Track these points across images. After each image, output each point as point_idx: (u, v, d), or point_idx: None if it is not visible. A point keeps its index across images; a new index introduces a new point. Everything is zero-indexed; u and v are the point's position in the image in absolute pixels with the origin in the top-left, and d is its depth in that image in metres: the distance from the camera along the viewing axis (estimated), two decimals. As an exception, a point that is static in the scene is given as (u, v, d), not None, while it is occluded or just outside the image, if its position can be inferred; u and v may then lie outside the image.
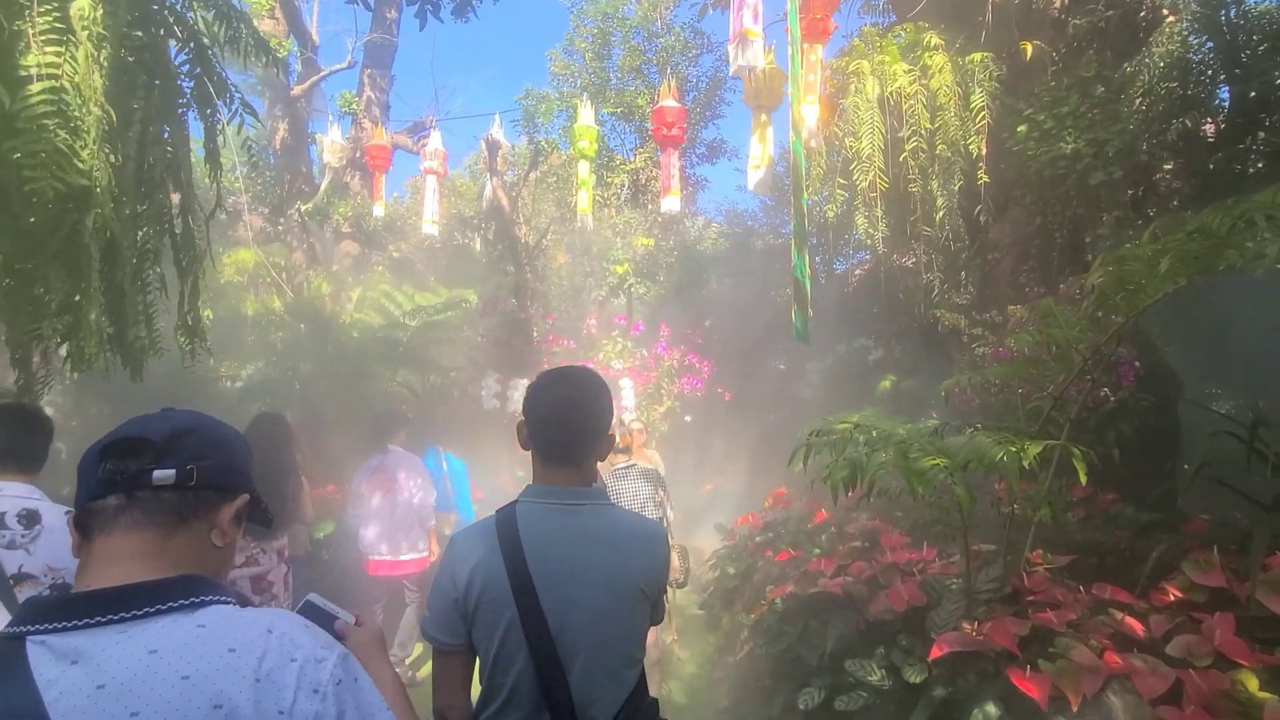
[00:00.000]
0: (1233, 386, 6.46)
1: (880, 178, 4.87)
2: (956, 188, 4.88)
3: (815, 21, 4.46)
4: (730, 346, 8.63)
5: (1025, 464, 1.87)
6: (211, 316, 8.74)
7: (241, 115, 2.76)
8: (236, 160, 9.50)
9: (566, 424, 1.31)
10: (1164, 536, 3.47)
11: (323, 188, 8.92)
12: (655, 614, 1.35)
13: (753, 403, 8.42)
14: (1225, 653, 2.16)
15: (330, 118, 9.14)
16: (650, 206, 8.07)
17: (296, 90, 8.99)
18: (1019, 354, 3.44)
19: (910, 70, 4.93)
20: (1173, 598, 2.63)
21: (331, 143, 8.68)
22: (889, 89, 4.93)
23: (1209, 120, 6.24)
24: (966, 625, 2.49)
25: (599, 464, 1.46)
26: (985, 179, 4.91)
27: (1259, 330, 6.15)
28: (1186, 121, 6.12)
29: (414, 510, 4.31)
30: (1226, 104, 6.04)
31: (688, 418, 7.44)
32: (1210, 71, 6.19)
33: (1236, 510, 3.79)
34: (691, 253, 9.06)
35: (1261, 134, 5.73)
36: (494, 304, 7.10)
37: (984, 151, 4.87)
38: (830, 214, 5.78)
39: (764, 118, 5.18)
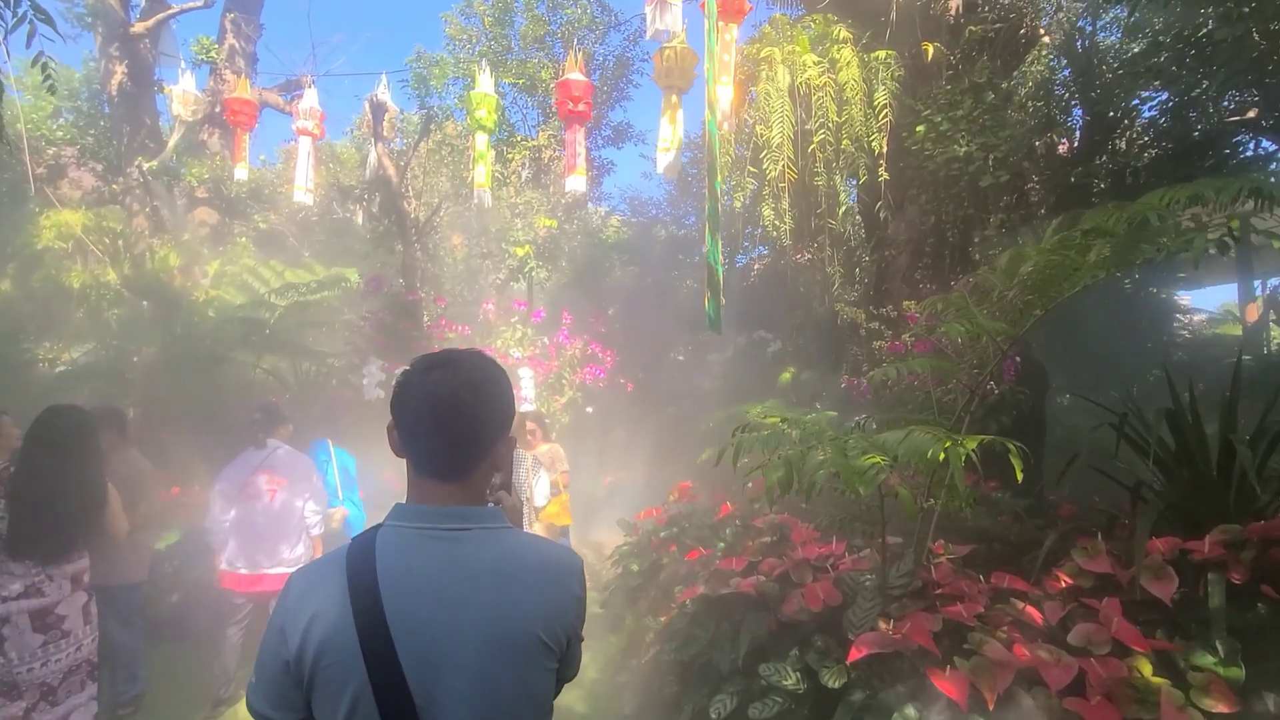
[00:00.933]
0: (1085, 382, 7.13)
1: (789, 168, 4.84)
2: (860, 182, 4.96)
3: None
4: (634, 336, 8.47)
5: (962, 460, 1.80)
6: (9, 287, 7.36)
7: (33, 21, 2.14)
8: (60, 102, 8.05)
9: (446, 425, 1.00)
10: (1041, 522, 3.69)
11: (171, 144, 7.73)
12: (566, 669, 1.06)
13: (655, 394, 8.31)
14: (1121, 639, 2.22)
15: (183, 64, 7.92)
16: (553, 188, 7.69)
17: (138, 27, 7.71)
18: (940, 345, 3.48)
19: (819, 62, 4.93)
20: (1064, 584, 2.72)
21: (183, 93, 7.50)
22: (799, 79, 4.91)
23: (1064, 141, 6.85)
24: (883, 623, 2.43)
25: None
26: (886, 176, 5.02)
27: (1114, 333, 6.85)
28: (1053, 137, 6.67)
29: (296, 515, 3.74)
30: (1081, 126, 6.65)
31: (589, 409, 7.18)
32: (1068, 95, 6.79)
33: (1095, 495, 4.12)
34: (595, 239, 8.77)
35: (1104, 157, 6.36)
36: (378, 284, 6.45)
37: (885, 149, 4.98)
38: (738, 203, 5.73)
39: (675, 99, 4.99)
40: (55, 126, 8.38)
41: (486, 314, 6.83)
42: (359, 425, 6.14)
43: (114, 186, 8.00)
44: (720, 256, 3.89)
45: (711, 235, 3.79)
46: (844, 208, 5.07)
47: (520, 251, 6.46)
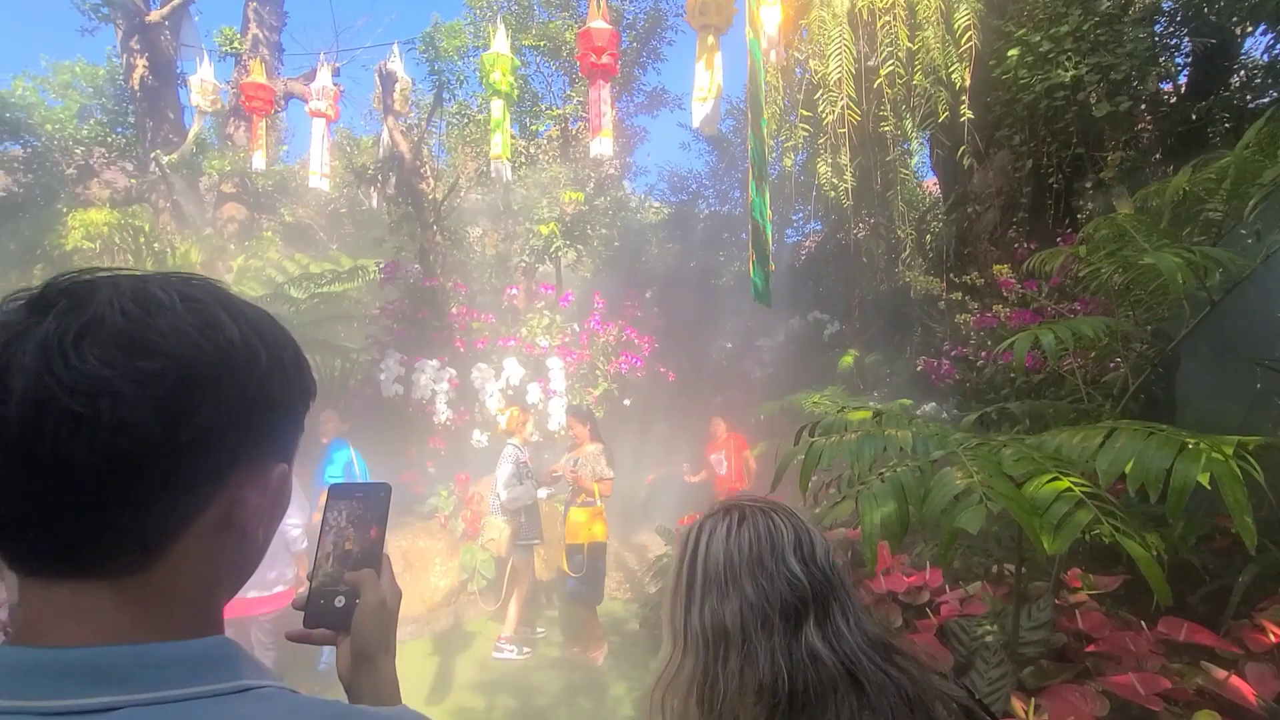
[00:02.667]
0: (1204, 357, 6.06)
1: (850, 109, 4.05)
2: (940, 121, 4.12)
3: (775, -98, 3.56)
4: (674, 321, 7.78)
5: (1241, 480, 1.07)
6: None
7: None
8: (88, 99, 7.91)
9: (47, 435, 0.37)
10: (1194, 537, 2.85)
11: (191, 135, 7.48)
12: None
13: (700, 383, 7.63)
14: None
15: (204, 55, 7.65)
16: (581, 162, 7.07)
17: (154, 16, 7.47)
18: (1046, 316, 2.68)
19: (885, -20, 4.12)
20: (1274, 638, 1.92)
21: (202, 82, 7.20)
22: (860, 3, 4.11)
23: (1168, 85, 5.82)
24: (1017, 702, 1.70)
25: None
26: (969, 115, 4.17)
27: (1236, 297, 5.75)
28: (1168, 66, 5.63)
29: (280, 533, 3.25)
30: (1189, 61, 5.61)
31: (627, 401, 6.54)
32: (1173, 27, 5.74)
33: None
34: (630, 217, 8.10)
35: (1216, 96, 5.30)
36: (394, 270, 5.97)
37: (968, 82, 4.12)
38: (789, 162, 4.96)
39: (711, 40, 4.27)
40: (82, 127, 8.28)
41: (512, 300, 6.28)
42: (377, 422, 5.70)
43: (134, 181, 7.83)
44: (768, 212, 3.18)
45: (757, 185, 3.08)
46: (915, 157, 4.25)
47: (545, 230, 5.88)
